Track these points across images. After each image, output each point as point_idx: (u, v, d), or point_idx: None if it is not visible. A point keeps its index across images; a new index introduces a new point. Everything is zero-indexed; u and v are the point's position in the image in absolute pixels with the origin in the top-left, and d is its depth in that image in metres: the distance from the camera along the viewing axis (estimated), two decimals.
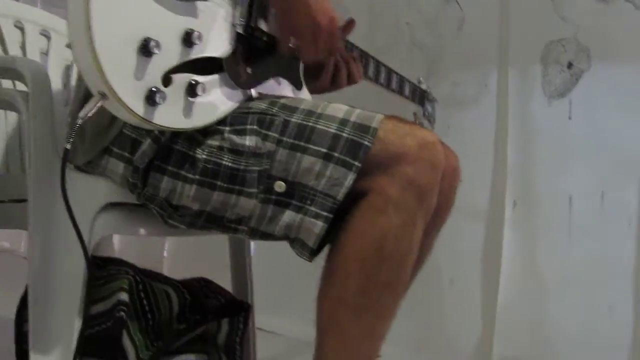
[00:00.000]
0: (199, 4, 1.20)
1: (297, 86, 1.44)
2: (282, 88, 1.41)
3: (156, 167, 1.26)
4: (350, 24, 1.61)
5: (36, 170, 1.32)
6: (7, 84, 1.65)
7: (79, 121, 1.11)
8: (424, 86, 1.95)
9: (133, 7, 1.10)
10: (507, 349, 2.28)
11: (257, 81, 1.32)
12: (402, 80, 1.79)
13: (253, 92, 1.31)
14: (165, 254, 2.90)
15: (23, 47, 1.72)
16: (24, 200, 1.36)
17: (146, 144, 1.25)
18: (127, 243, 2.81)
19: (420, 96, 1.92)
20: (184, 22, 1.17)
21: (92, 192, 1.31)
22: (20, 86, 1.52)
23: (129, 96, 1.10)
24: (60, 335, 1.28)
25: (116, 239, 2.83)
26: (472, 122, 2.32)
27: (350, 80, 1.56)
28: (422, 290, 2.36)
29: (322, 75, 1.55)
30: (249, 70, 1.30)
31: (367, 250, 1.19)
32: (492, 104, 2.29)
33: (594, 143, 2.17)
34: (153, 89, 1.12)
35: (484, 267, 2.34)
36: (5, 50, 1.69)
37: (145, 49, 1.10)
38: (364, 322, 1.21)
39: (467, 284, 2.38)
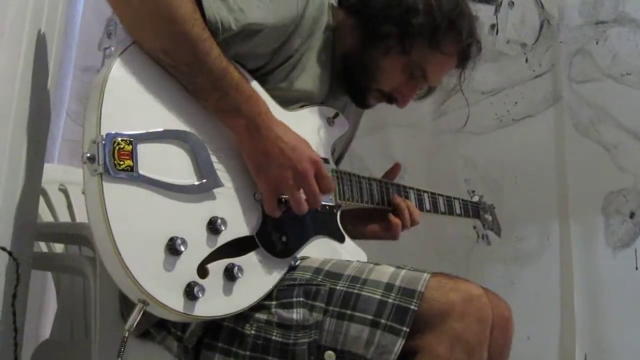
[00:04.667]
0: (216, 189, 1.21)
1: (340, 240, 1.43)
2: None
3: (206, 344, 1.25)
4: (395, 168, 1.62)
5: (100, 336, 1.32)
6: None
7: (126, 334, 1.12)
8: (475, 198, 1.91)
9: (152, 210, 1.12)
10: None
11: (294, 248, 1.32)
12: (449, 200, 1.76)
13: (295, 258, 1.31)
14: None
15: (70, 209, 1.76)
16: None
17: (195, 322, 1.25)
18: None
19: (474, 210, 1.88)
20: (205, 211, 1.18)
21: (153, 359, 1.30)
22: (86, 251, 1.56)
23: (168, 298, 1.11)
24: None
25: None
26: (537, 276, 2.28)
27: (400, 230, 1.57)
28: None
29: (379, 228, 1.57)
30: (283, 238, 1.30)
31: None
32: (555, 257, 2.26)
33: None
34: (191, 284, 1.13)
35: None
36: (54, 216, 1.74)
37: (173, 249, 1.11)
38: None
39: None
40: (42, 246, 1.70)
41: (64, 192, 1.75)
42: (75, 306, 1.71)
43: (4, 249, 1.28)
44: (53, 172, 1.71)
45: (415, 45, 1.45)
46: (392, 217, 1.55)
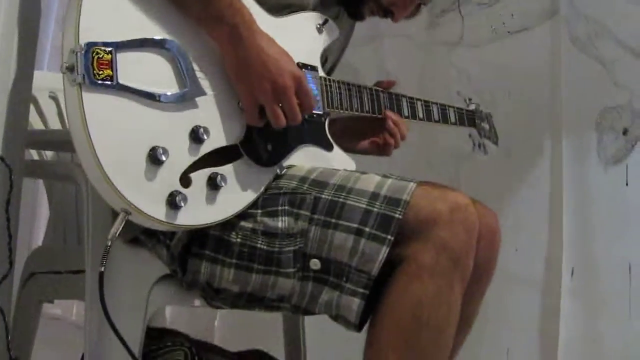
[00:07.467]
0: (198, 98, 1.20)
1: (328, 148, 1.43)
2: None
3: (194, 252, 1.27)
4: (388, 82, 1.62)
5: (93, 242, 1.33)
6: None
7: (109, 242, 1.13)
8: (472, 107, 1.89)
9: (132, 120, 1.11)
10: None
11: (280, 157, 1.32)
12: (443, 108, 1.75)
13: (281, 167, 1.31)
14: (216, 322, 2.89)
15: (61, 116, 1.76)
16: (80, 272, 1.38)
17: (180, 231, 1.26)
18: (179, 310, 2.81)
19: (469, 118, 1.86)
20: (187, 120, 1.18)
21: (145, 266, 1.32)
22: (78, 158, 1.55)
23: (151, 207, 1.12)
24: None
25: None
26: (527, 189, 2.29)
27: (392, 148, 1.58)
28: None
29: (369, 144, 1.57)
30: (269, 147, 1.29)
31: (404, 318, 1.18)
32: (546, 171, 2.26)
33: None
34: (173, 193, 1.13)
35: (542, 337, 2.28)
36: (45, 123, 1.74)
37: (155, 158, 1.11)
38: None
39: (524, 354, 2.31)
40: (34, 154, 1.70)
41: (54, 99, 1.74)
42: (68, 213, 1.72)
43: None
44: (43, 80, 1.69)
45: None
46: (387, 137, 1.56)
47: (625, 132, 2.15)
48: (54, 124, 1.74)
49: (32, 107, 1.61)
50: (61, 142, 1.56)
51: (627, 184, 2.15)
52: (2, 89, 1.33)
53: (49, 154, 1.72)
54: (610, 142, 2.18)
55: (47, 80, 1.73)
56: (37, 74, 1.47)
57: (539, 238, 2.27)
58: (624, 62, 2.17)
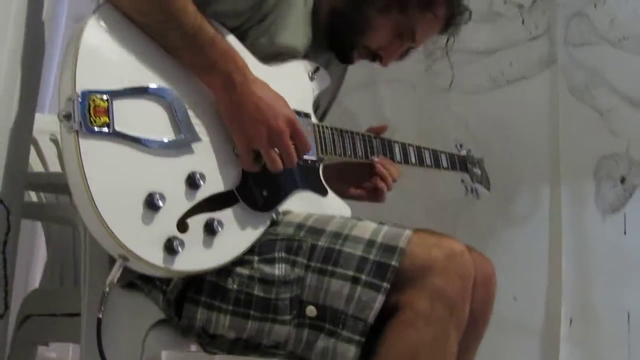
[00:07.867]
0: (193, 144, 1.21)
1: (322, 194, 1.43)
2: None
3: (190, 298, 1.26)
4: (381, 127, 1.63)
5: (90, 284, 1.33)
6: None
7: (106, 289, 1.13)
8: (463, 152, 1.91)
9: (129, 166, 1.12)
10: None
11: (276, 202, 1.32)
12: (435, 153, 1.76)
13: (277, 212, 1.31)
14: None
15: (61, 159, 1.76)
16: (76, 315, 1.37)
17: (176, 276, 1.25)
18: (174, 356, 2.78)
19: (461, 163, 1.87)
20: (184, 166, 1.18)
21: (141, 311, 1.31)
22: None
23: (148, 253, 1.11)
24: None
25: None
26: (525, 238, 2.30)
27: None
28: None
29: (360, 190, 1.59)
30: (264, 192, 1.29)
31: None
32: (544, 219, 2.27)
33: None
34: (170, 238, 1.13)
35: None
36: (45, 166, 1.74)
37: (152, 204, 1.11)
38: None
39: None
40: (33, 196, 1.70)
41: (55, 142, 1.75)
42: (65, 255, 1.72)
43: None
44: (44, 122, 1.70)
45: (411, 4, 1.46)
46: (378, 182, 1.56)
47: (622, 180, 2.16)
48: (54, 167, 1.74)
49: (32, 149, 1.62)
50: (60, 184, 1.56)
51: (625, 233, 2.16)
52: (3, 130, 1.34)
53: (47, 196, 1.72)
54: (608, 190, 2.18)
55: (48, 123, 1.74)
56: (38, 116, 1.48)
57: (538, 286, 2.27)
58: (620, 110, 2.19)
